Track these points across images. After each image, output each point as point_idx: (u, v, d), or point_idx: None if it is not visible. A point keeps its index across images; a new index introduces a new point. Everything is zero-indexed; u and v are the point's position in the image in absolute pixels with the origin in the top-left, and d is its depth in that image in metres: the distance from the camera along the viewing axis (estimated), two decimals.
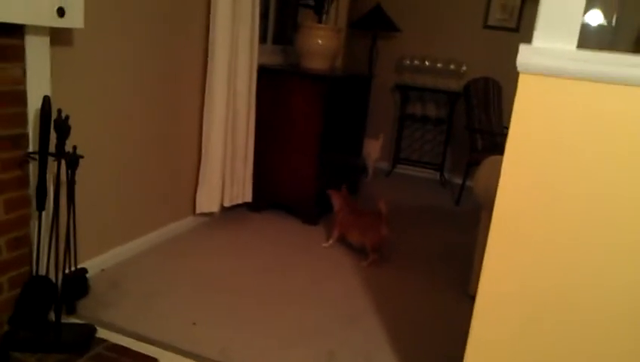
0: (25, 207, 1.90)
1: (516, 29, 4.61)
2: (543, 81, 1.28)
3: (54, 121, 1.83)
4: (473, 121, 4.23)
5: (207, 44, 2.86)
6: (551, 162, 1.30)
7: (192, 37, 2.81)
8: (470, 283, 2.57)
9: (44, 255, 1.96)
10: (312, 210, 3.39)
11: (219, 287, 2.41)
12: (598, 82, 1.23)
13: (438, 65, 4.88)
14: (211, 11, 2.78)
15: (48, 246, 1.96)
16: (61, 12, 1.76)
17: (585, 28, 4.17)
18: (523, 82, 1.29)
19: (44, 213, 1.92)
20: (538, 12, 1.25)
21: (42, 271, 1.95)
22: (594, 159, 1.26)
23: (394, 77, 5.09)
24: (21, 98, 1.83)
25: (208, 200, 3.03)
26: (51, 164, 1.90)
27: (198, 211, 3.04)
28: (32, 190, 1.91)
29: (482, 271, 1.42)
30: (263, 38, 3.77)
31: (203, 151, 2.97)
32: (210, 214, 3.20)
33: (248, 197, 3.34)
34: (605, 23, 4.22)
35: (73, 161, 1.90)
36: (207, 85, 2.88)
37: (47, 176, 1.88)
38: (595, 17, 4.23)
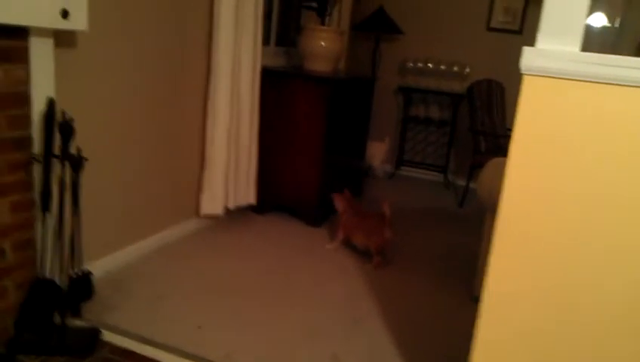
0: (29, 209, 1.91)
1: (519, 32, 4.61)
2: (546, 83, 1.28)
3: (58, 123, 1.83)
4: (476, 123, 4.22)
5: (210, 46, 2.86)
6: (555, 163, 1.30)
7: (195, 39, 2.82)
8: (475, 285, 2.56)
9: (48, 257, 1.97)
10: (315, 213, 3.39)
11: (223, 290, 2.41)
12: (602, 84, 1.23)
13: (441, 67, 4.88)
14: (214, 13, 2.79)
15: (53, 249, 1.96)
16: (65, 14, 1.77)
17: (588, 30, 4.16)
18: (527, 84, 1.30)
19: (48, 216, 1.92)
20: (541, 14, 1.25)
21: (47, 274, 1.96)
22: (598, 160, 1.26)
23: (397, 79, 5.09)
24: (25, 100, 1.83)
25: (212, 203, 3.03)
26: (55, 166, 1.91)
27: (201, 214, 3.05)
28: (36, 192, 1.91)
29: (487, 272, 1.42)
30: (266, 40, 3.78)
31: (206, 153, 2.98)
32: (214, 216, 3.21)
33: (252, 200, 3.34)
34: (609, 25, 4.22)
35: (77, 163, 1.90)
36: (210, 87, 2.89)
37: (52, 178, 1.89)
38: (599, 19, 4.23)
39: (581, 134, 1.27)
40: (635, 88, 1.20)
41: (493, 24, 4.68)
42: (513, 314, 1.41)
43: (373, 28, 4.65)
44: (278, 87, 3.33)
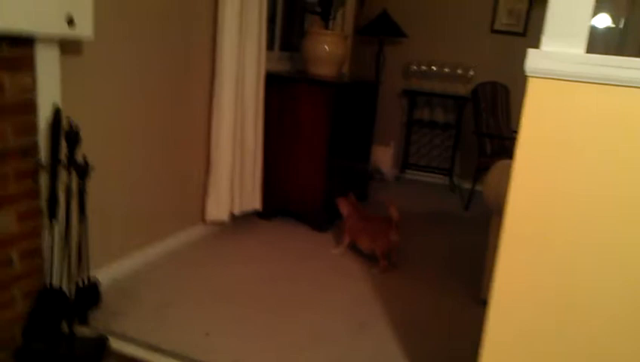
0: (36, 217, 1.91)
1: (523, 34, 4.60)
2: (551, 85, 1.27)
3: (64, 130, 1.84)
4: (481, 126, 4.21)
5: (215, 52, 2.87)
6: (561, 165, 1.29)
7: (200, 44, 2.83)
8: (482, 287, 2.55)
9: (56, 266, 1.97)
10: (321, 217, 3.39)
11: (230, 296, 2.41)
12: (607, 85, 1.22)
13: (446, 70, 4.88)
14: (219, 19, 2.80)
15: (60, 257, 1.97)
16: (71, 22, 1.78)
17: (592, 31, 4.15)
18: (532, 86, 1.29)
19: (55, 224, 1.93)
20: (546, 16, 1.24)
21: (55, 282, 1.96)
22: (603, 162, 1.25)
23: (401, 82, 5.09)
24: (31, 108, 1.84)
25: (218, 209, 3.04)
26: (62, 174, 1.91)
27: (207, 219, 3.05)
28: (43, 201, 1.92)
29: (495, 275, 1.41)
30: (270, 45, 3.79)
31: (212, 159, 2.98)
32: (220, 222, 3.21)
33: (258, 205, 3.35)
34: (613, 26, 4.20)
35: (84, 170, 1.91)
36: (214, 93, 2.90)
37: (58, 186, 1.90)
38: (603, 20, 4.22)
39: (586, 136, 1.26)
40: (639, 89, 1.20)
41: (497, 26, 4.68)
42: (521, 315, 1.40)
43: (377, 31, 4.66)
44: (283, 92, 3.33)
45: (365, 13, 4.90)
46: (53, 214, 1.88)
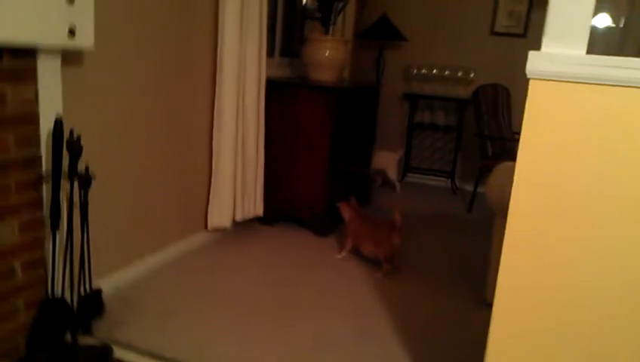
0: (39, 228, 1.91)
1: (523, 35, 4.60)
2: (553, 87, 1.27)
3: (66, 141, 1.84)
4: (483, 128, 4.21)
5: (216, 60, 2.88)
6: (564, 166, 1.29)
7: (201, 53, 2.83)
8: (486, 290, 2.54)
9: (59, 276, 1.97)
10: (323, 222, 3.38)
11: (233, 302, 2.40)
12: (609, 86, 1.22)
13: (446, 72, 4.88)
14: (219, 27, 2.81)
15: (63, 267, 1.97)
16: (72, 33, 1.78)
17: (592, 30, 4.15)
18: (533, 88, 1.29)
19: (58, 234, 1.92)
20: (546, 18, 1.24)
21: (57, 292, 1.96)
22: (607, 162, 1.25)
23: (402, 86, 5.09)
24: (33, 119, 1.84)
25: (220, 216, 3.03)
26: (64, 185, 1.91)
27: (210, 227, 3.05)
28: (45, 211, 1.92)
29: (499, 277, 1.40)
30: (270, 52, 3.79)
31: (213, 166, 2.98)
32: (222, 229, 3.21)
33: (260, 211, 3.34)
34: (613, 25, 4.20)
35: (86, 181, 1.91)
36: (216, 101, 2.90)
37: (61, 196, 1.89)
38: (603, 20, 4.21)
39: (588, 137, 1.26)
40: None
41: (497, 28, 4.68)
42: (526, 317, 1.39)
43: (377, 36, 4.66)
44: (284, 98, 3.34)
45: (365, 17, 4.91)
46: (55, 225, 1.88)
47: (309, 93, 3.28)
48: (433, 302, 2.58)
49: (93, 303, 2.11)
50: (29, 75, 1.80)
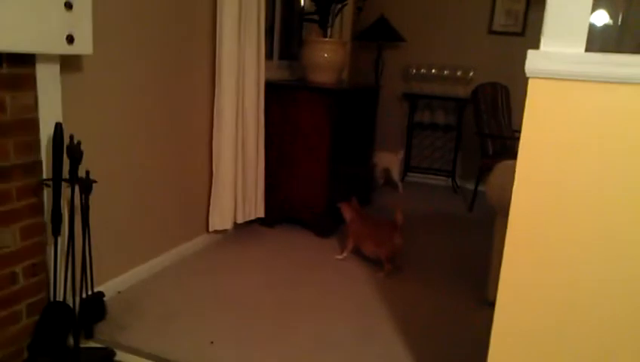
0: (40, 233, 1.92)
1: (521, 34, 4.60)
2: (552, 85, 1.27)
3: (67, 147, 1.85)
4: (483, 127, 4.21)
5: (215, 63, 2.88)
6: (564, 164, 1.29)
7: (200, 54, 2.84)
8: (488, 289, 2.54)
9: (60, 280, 1.97)
10: (324, 223, 3.38)
11: (234, 304, 2.40)
12: (608, 84, 1.22)
13: (445, 72, 4.88)
14: (217, 30, 2.81)
15: (65, 272, 1.97)
16: (70, 39, 1.78)
17: (590, 28, 4.15)
18: (532, 87, 1.29)
19: (59, 239, 1.93)
20: (545, 17, 1.24)
21: (59, 297, 1.96)
22: (607, 160, 1.25)
23: (401, 86, 5.09)
24: (33, 126, 1.85)
25: (221, 218, 3.03)
26: (65, 190, 1.92)
27: (211, 229, 3.05)
28: (46, 216, 1.92)
29: (501, 276, 1.40)
30: (269, 54, 3.80)
31: (214, 169, 2.99)
32: (223, 231, 3.21)
33: (261, 213, 3.34)
34: (611, 23, 4.20)
35: (87, 186, 1.91)
36: (215, 103, 2.90)
37: (62, 202, 1.90)
38: (601, 17, 4.22)
39: (589, 135, 1.26)
40: None
41: (495, 27, 4.68)
42: (529, 316, 1.39)
43: (375, 37, 4.67)
44: (283, 100, 3.34)
45: (363, 19, 4.91)
46: (56, 230, 1.88)
47: (308, 94, 3.28)
48: (434, 301, 2.58)
49: (95, 307, 2.11)
50: (28, 82, 1.81)
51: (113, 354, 1.93)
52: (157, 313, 2.28)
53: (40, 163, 1.88)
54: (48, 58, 1.85)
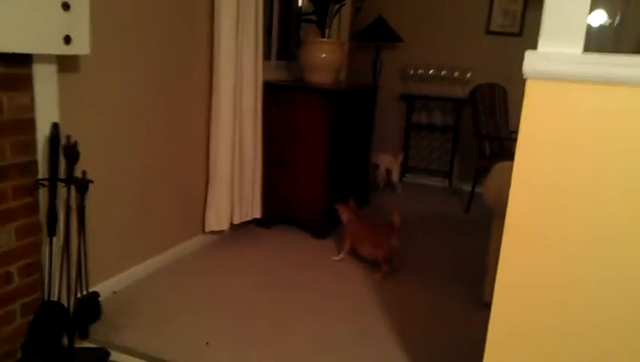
0: (36, 233, 1.91)
1: (519, 34, 4.60)
2: (550, 86, 1.27)
3: (63, 147, 1.84)
4: (480, 127, 4.21)
5: (212, 63, 2.87)
6: (562, 165, 1.28)
7: (198, 57, 2.83)
8: (484, 290, 2.54)
9: (55, 280, 1.96)
10: (321, 224, 3.38)
11: (230, 305, 2.39)
12: (606, 84, 1.22)
13: (443, 72, 4.88)
14: (215, 31, 2.80)
15: (60, 272, 1.96)
16: (68, 40, 1.78)
17: (588, 28, 4.15)
18: (530, 88, 1.28)
19: (55, 239, 1.92)
20: (542, 17, 1.24)
21: (54, 297, 1.95)
22: (605, 161, 1.24)
23: (399, 87, 5.09)
24: (30, 126, 1.84)
25: (217, 219, 3.03)
26: (61, 190, 1.91)
27: (207, 230, 3.04)
28: (42, 216, 1.91)
29: (497, 277, 1.40)
30: (267, 55, 3.79)
31: (211, 169, 2.98)
32: (219, 232, 3.20)
33: (257, 214, 3.34)
34: (609, 23, 4.20)
35: (83, 186, 1.90)
36: (213, 104, 2.89)
37: (58, 202, 1.89)
38: (599, 17, 4.22)
39: (587, 136, 1.25)
40: (638, 87, 1.19)
41: (492, 27, 4.68)
42: (525, 317, 1.38)
43: (373, 37, 4.66)
44: (281, 101, 3.33)
45: (361, 19, 4.91)
46: (52, 230, 1.87)
47: (306, 95, 3.28)
48: (431, 302, 2.57)
49: (90, 307, 2.10)
50: (25, 82, 1.80)
51: (108, 354, 1.92)
52: (152, 313, 2.27)
53: (36, 163, 1.87)
54: (45, 58, 1.84)
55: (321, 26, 3.66)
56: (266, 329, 2.21)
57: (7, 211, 1.78)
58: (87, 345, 1.99)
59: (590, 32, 4.21)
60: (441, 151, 5.06)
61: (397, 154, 4.72)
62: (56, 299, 1.95)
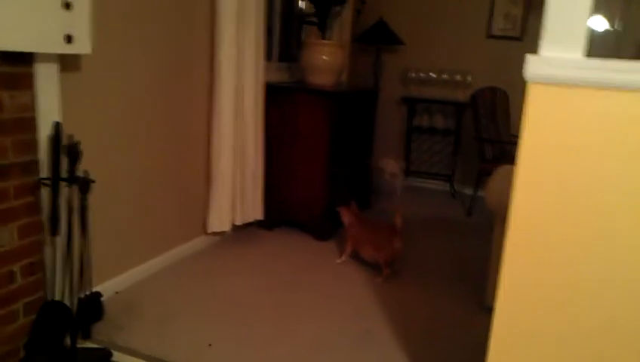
0: (38, 232, 1.91)
1: (520, 38, 4.61)
2: (551, 91, 1.27)
3: (65, 146, 1.85)
4: (481, 131, 4.21)
5: (214, 64, 2.88)
6: (564, 170, 1.29)
7: (199, 58, 2.84)
8: (486, 294, 2.54)
9: (58, 280, 1.97)
10: (323, 226, 3.38)
11: (232, 306, 2.40)
12: (607, 89, 1.22)
13: (444, 76, 4.89)
14: (216, 32, 2.81)
15: (62, 271, 1.97)
16: (69, 39, 1.79)
17: (589, 33, 4.16)
18: (531, 92, 1.29)
19: (57, 238, 1.92)
20: (543, 21, 1.25)
21: (57, 296, 1.96)
22: (606, 165, 1.25)
23: (400, 90, 5.10)
24: (31, 125, 1.85)
25: (219, 220, 3.03)
26: (63, 189, 1.91)
27: (209, 231, 3.04)
28: (44, 216, 1.92)
29: (499, 280, 1.40)
30: (268, 56, 3.80)
31: (212, 170, 2.98)
32: (221, 233, 3.21)
33: (259, 216, 3.34)
34: (609, 28, 4.21)
35: (85, 185, 1.91)
36: (214, 105, 2.90)
37: (60, 201, 1.90)
38: (599, 22, 4.23)
39: (588, 140, 1.26)
40: (639, 92, 1.20)
41: (493, 31, 4.69)
42: (527, 321, 1.39)
43: (374, 40, 4.67)
44: (282, 102, 3.34)
45: (362, 21, 4.92)
46: (54, 230, 1.88)
47: (307, 97, 3.28)
48: (433, 305, 2.58)
49: (92, 307, 2.10)
50: (26, 81, 1.81)
51: (110, 354, 1.93)
52: (155, 314, 2.28)
53: (38, 162, 1.88)
54: (47, 57, 1.85)
55: (322, 28, 3.67)
56: (267, 330, 2.22)
57: (9, 210, 1.79)
58: (89, 345, 1.99)
59: (592, 37, 4.22)
60: (442, 154, 5.07)
61: (398, 158, 4.74)
62: (58, 299, 1.95)
